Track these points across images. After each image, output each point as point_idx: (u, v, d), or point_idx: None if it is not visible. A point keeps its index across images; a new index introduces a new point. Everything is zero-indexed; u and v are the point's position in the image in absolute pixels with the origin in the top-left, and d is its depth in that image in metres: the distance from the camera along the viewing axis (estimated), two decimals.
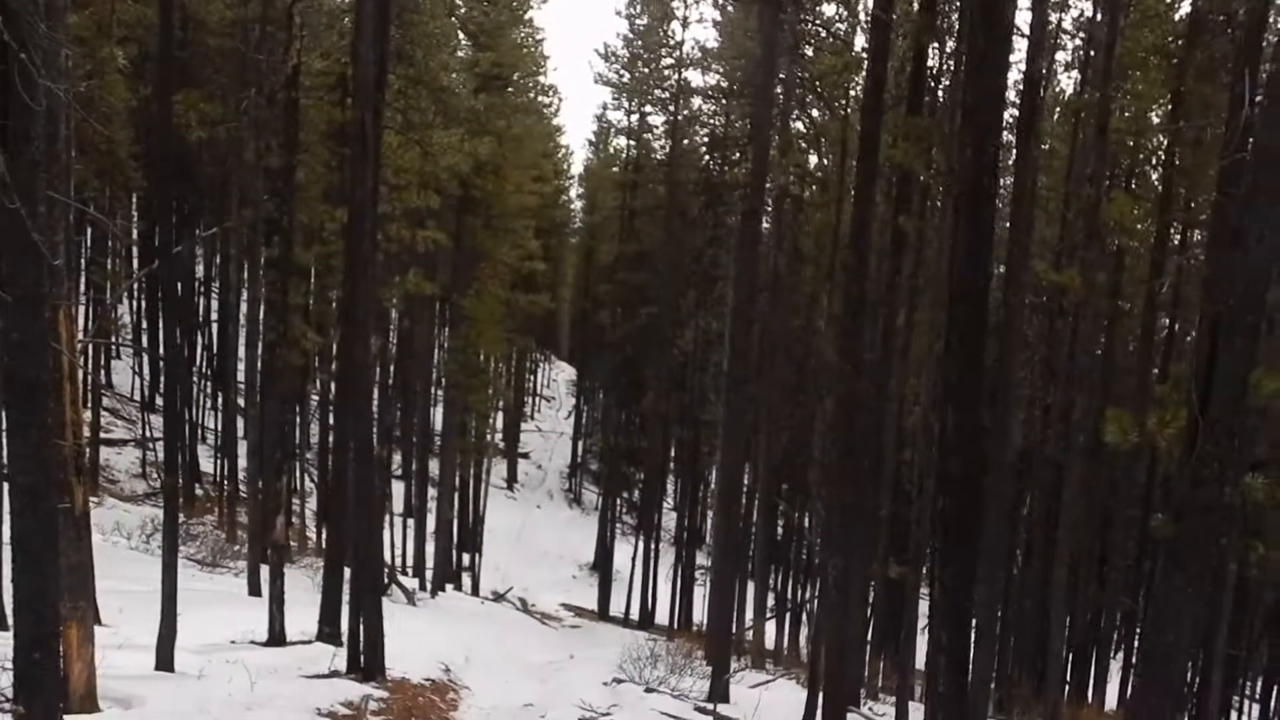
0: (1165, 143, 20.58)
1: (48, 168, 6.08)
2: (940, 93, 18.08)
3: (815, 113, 26.79)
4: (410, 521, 31.55)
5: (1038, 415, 21.72)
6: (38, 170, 5.63)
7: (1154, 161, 22.78)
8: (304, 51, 16.81)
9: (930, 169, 17.54)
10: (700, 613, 31.18)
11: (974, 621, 15.84)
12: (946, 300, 5.78)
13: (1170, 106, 18.63)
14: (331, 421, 24.03)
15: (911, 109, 13.76)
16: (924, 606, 13.67)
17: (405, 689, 12.67)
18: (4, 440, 8.83)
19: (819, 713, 11.51)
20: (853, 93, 24.05)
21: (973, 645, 16.25)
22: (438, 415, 35.29)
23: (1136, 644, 22.67)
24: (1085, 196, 15.87)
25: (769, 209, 25.99)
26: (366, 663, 12.62)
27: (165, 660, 10.72)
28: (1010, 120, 16.37)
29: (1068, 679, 21.95)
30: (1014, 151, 14.91)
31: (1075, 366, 17.92)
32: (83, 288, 29.36)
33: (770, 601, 29.37)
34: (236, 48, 23.53)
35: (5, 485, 11.23)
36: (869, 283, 12.48)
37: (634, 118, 40.78)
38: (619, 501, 42.21)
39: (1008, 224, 14.55)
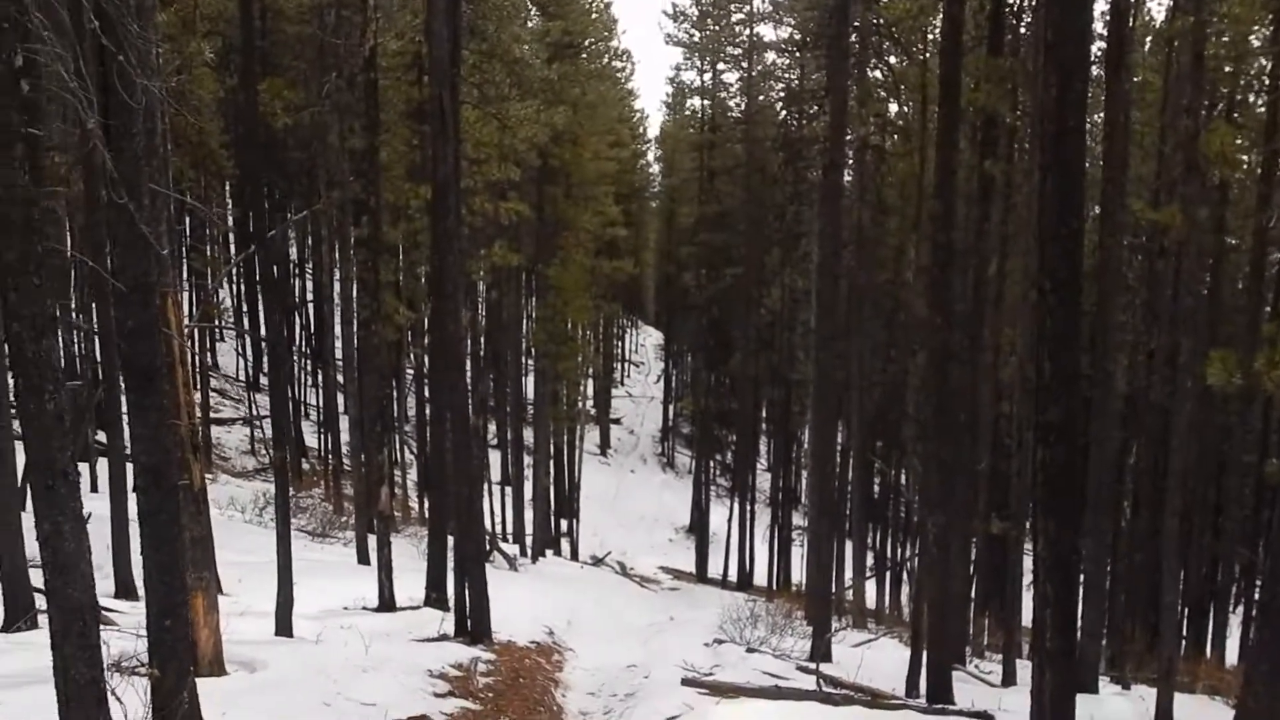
0: (1268, 67, 19.62)
1: (148, 162, 6.31)
2: (1022, 29, 17.49)
3: (893, 59, 26.18)
4: (508, 489, 32.16)
5: (1141, 360, 21.04)
6: (140, 165, 5.85)
7: (1256, 88, 21.71)
8: (380, 33, 17.01)
9: (1016, 110, 17.03)
10: (799, 573, 31.21)
11: (1081, 575, 15.58)
12: (1037, 245, 5.64)
13: (1272, 28, 17.72)
14: (427, 394, 24.53)
15: (992, 49, 13.38)
16: (1028, 563, 13.47)
17: (511, 651, 12.98)
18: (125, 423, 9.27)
19: (923, 670, 11.46)
20: (931, 36, 23.44)
21: (1080, 600, 15.99)
22: (529, 384, 35.82)
23: (1256, 596, 21.97)
24: (1183, 129, 15.21)
25: (850, 161, 25.57)
26: (473, 626, 12.96)
27: (284, 626, 11.18)
28: (1098, 54, 15.79)
29: (1184, 634, 21.41)
30: (1103, 86, 14.36)
31: (1179, 308, 17.30)
32: (185, 275, 30.39)
33: (869, 560, 29.22)
34: (314, 33, 24.01)
35: (128, 465, 11.79)
36: (957, 232, 12.22)
37: (707, 77, 40.39)
38: (712, 464, 42.33)
39: (1100, 163, 14.07)
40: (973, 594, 20.19)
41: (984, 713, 9.92)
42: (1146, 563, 20.51)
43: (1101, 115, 15.38)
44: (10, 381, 9.80)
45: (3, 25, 3.99)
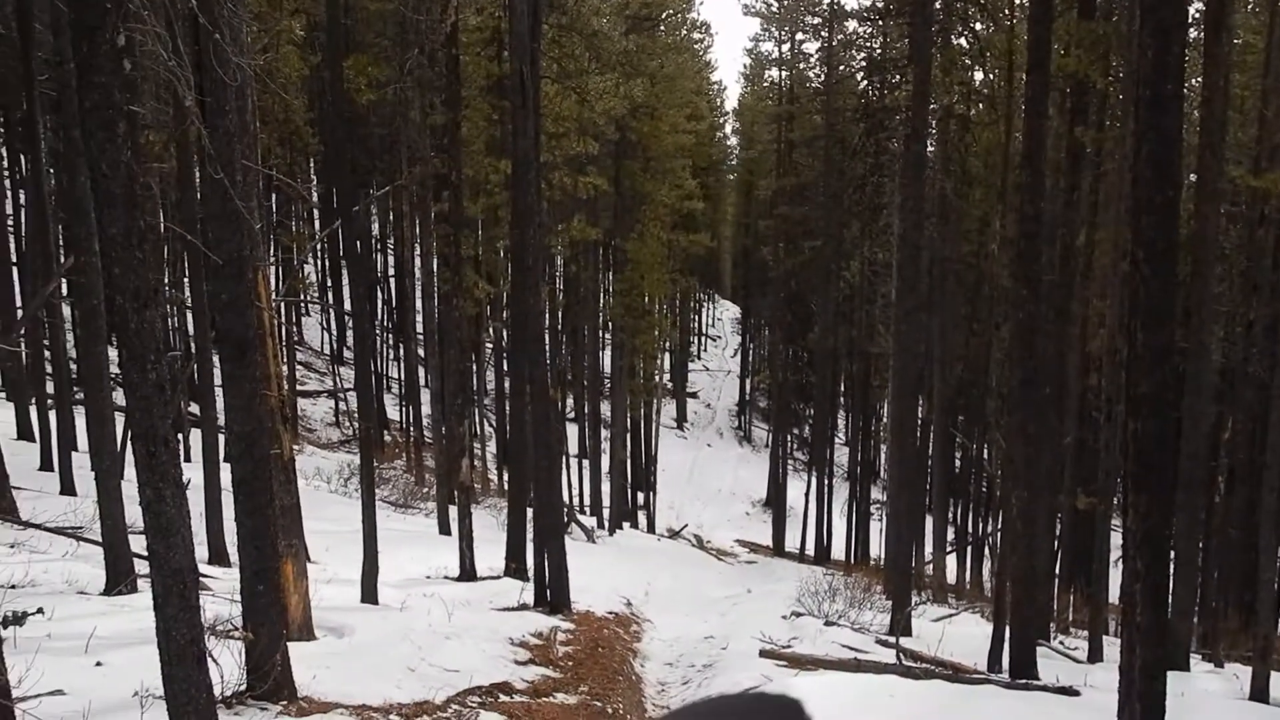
0: None
1: (240, 138, 6.49)
2: None
3: (978, 26, 25.52)
4: (585, 463, 32.47)
5: (1239, 332, 20.32)
6: (233, 141, 6.02)
7: None
8: (460, 8, 17.16)
9: (1108, 76, 16.49)
10: (877, 547, 30.96)
11: (1173, 552, 15.20)
12: (1130, 215, 5.48)
13: None
14: (506, 367, 24.83)
15: (1083, 13, 12.95)
16: (1116, 539, 13.16)
17: (590, 621, 13.15)
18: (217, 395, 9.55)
19: (1006, 646, 11.32)
20: (1018, 1, 22.80)
21: (1172, 576, 15.59)
22: (606, 358, 36.01)
23: None
24: None
25: (933, 131, 25.05)
26: (553, 596, 13.16)
27: (370, 593, 11.49)
28: (1196, 15, 15.20)
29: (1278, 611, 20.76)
30: (1201, 49, 13.82)
31: None
32: (273, 250, 31.14)
33: (950, 535, 28.87)
34: (396, 9, 24.24)
35: (220, 436, 12.18)
36: (1044, 201, 11.91)
37: (786, 47, 39.92)
38: (789, 438, 42.15)
39: (1197, 129, 13.57)
40: (1057, 569, 19.83)
41: (1069, 688, 9.76)
42: (1241, 540, 19.89)
43: (1199, 80, 14.83)
44: (112, 353, 10.20)
45: (106, 5, 4.12)
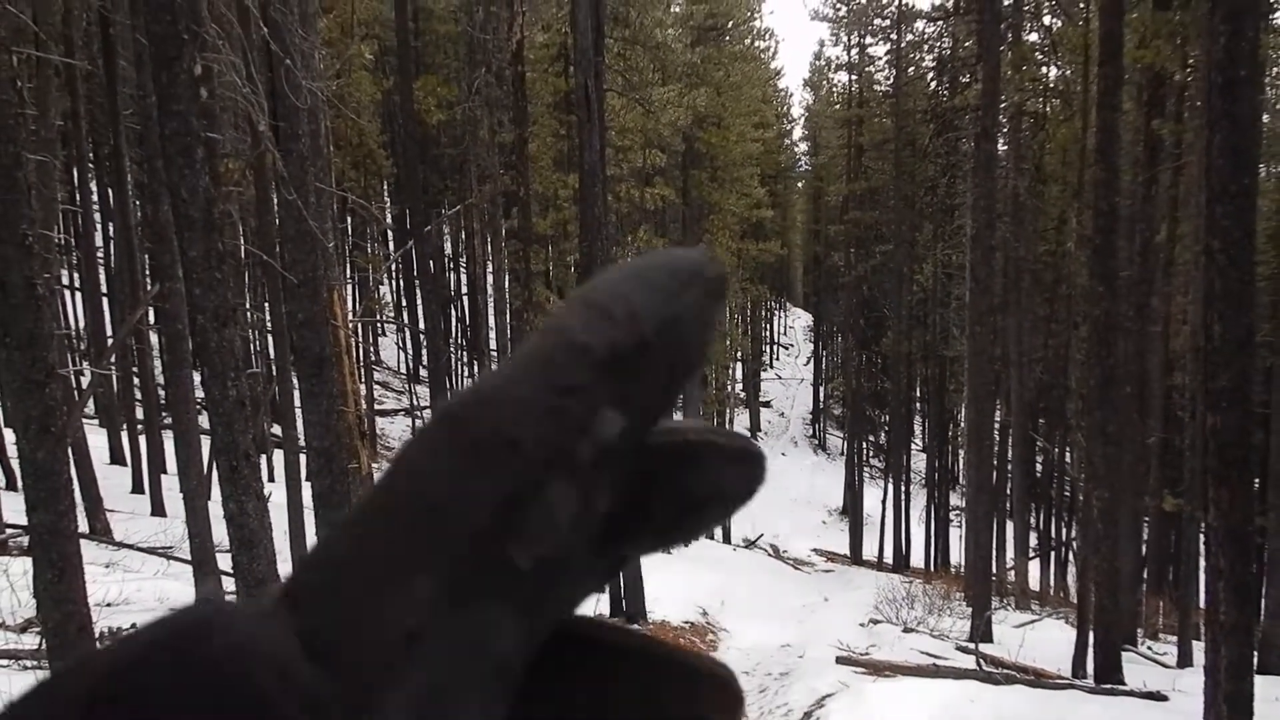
0: None
1: (313, 161, 6.69)
2: None
3: (1049, 20, 25.08)
4: None
5: None
6: (306, 164, 6.22)
7: None
8: (526, 26, 17.44)
9: (1186, 67, 16.08)
10: (957, 554, 30.42)
11: (1265, 551, 14.71)
12: (1206, 204, 5.37)
13: None
14: None
15: (1159, 4, 12.66)
16: (1205, 541, 12.79)
17: (666, 631, 13.17)
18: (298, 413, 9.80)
19: (1090, 650, 11.06)
20: None
21: (1264, 577, 15.10)
22: None
23: None
24: None
25: (1005, 129, 24.66)
26: (629, 607, 13.22)
27: None
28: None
29: None
30: None
31: None
32: (349, 272, 31.89)
33: (1032, 541, 28.26)
34: (464, 30, 24.71)
35: (302, 456, 12.51)
36: (1120, 197, 11.66)
37: (853, 51, 39.63)
38: (865, 445, 41.68)
39: None
40: (1145, 574, 19.29)
41: (1157, 693, 9.50)
42: None
43: None
44: (197, 377, 10.56)
45: (183, 37, 4.31)
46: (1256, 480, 18.50)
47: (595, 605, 13.41)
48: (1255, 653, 11.09)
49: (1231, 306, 5.08)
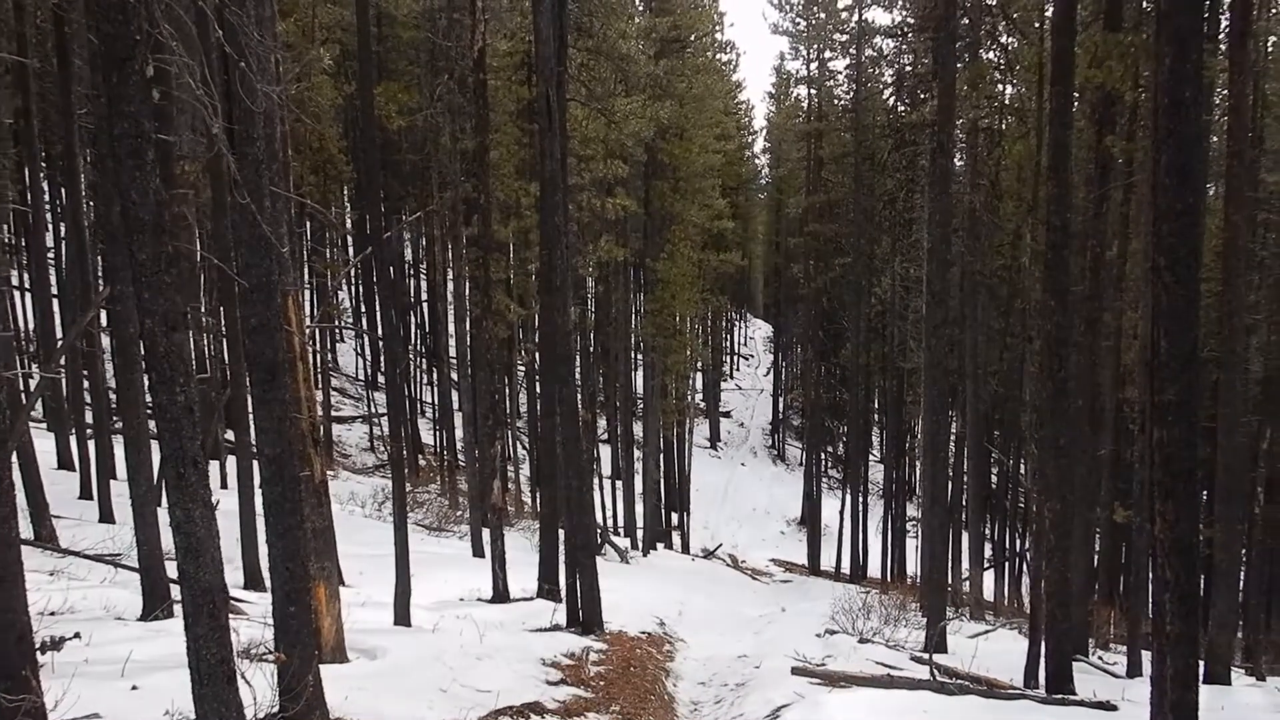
0: None
1: (269, 165, 6.62)
2: (1145, 2, 16.80)
3: (1006, 40, 25.45)
4: (618, 483, 32.47)
5: (1273, 340, 20.05)
6: (261, 168, 6.15)
7: None
8: (489, 34, 17.39)
9: (1137, 88, 16.36)
10: (913, 565, 30.69)
11: (1212, 563, 14.95)
12: (1153, 222, 5.47)
13: None
14: (538, 389, 24.95)
15: (1110, 24, 12.89)
16: (1152, 553, 12.95)
17: (623, 641, 13.14)
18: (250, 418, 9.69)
19: (1042, 661, 11.18)
20: (1048, 13, 22.71)
21: (1212, 588, 15.33)
22: (638, 379, 36.06)
23: None
24: None
25: (961, 145, 24.97)
26: (585, 617, 13.17)
27: (403, 616, 11.56)
28: (1226, 26, 15.05)
29: None
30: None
31: None
32: (307, 277, 31.57)
33: (987, 552, 28.56)
34: (427, 37, 24.62)
35: (255, 463, 12.34)
36: (1072, 213, 11.83)
37: (814, 65, 40.00)
38: (823, 456, 41.94)
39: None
40: (1096, 584, 19.56)
41: (1106, 703, 9.62)
42: None
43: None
44: (144, 379, 10.39)
45: (135, 37, 4.25)
46: (1205, 493, 18.85)
47: (552, 615, 13.35)
48: (1202, 663, 11.28)
49: (1177, 322, 5.17)
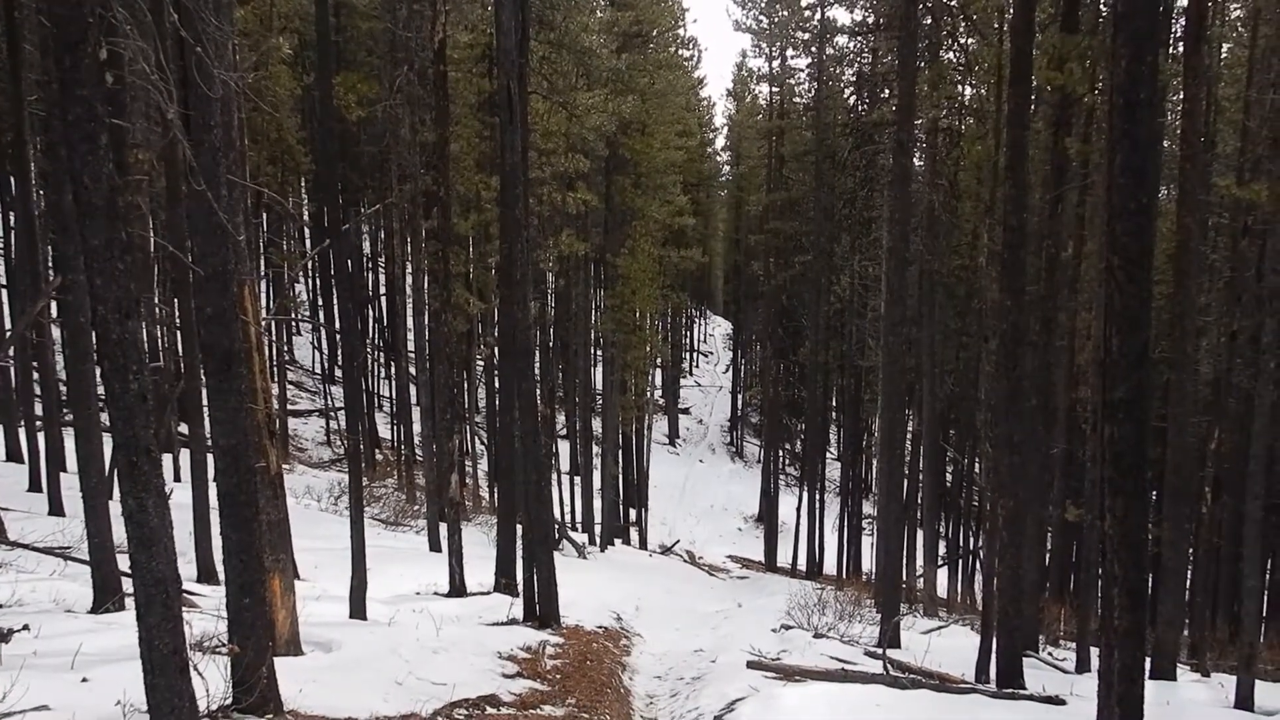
0: None
1: (226, 153, 6.53)
2: (1102, 6, 17.07)
3: (966, 41, 25.72)
4: (577, 479, 32.44)
5: (1223, 342, 20.45)
6: (218, 155, 6.07)
7: None
8: (449, 25, 17.26)
9: (1094, 90, 16.61)
10: (869, 562, 30.95)
11: (1160, 561, 15.24)
12: (1107, 221, 5.56)
13: None
14: (497, 384, 24.87)
15: (1067, 26, 13.07)
16: (1101, 548, 13.17)
17: (579, 635, 13.14)
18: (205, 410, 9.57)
19: (993, 656, 11.34)
20: (1008, 15, 22.98)
21: (1160, 586, 15.63)
22: (598, 374, 36.04)
23: None
24: (1269, 103, 14.73)
25: (921, 144, 25.21)
26: (542, 611, 13.15)
27: (358, 609, 11.47)
28: (1181, 29, 15.33)
29: (1265, 621, 20.80)
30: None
31: (1264, 287, 16.76)
32: (263, 268, 31.18)
33: (941, 549, 28.88)
34: (386, 28, 24.39)
35: (209, 456, 12.17)
36: (1028, 213, 12.00)
37: (776, 63, 40.17)
38: (781, 453, 42.16)
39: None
40: (1047, 581, 19.86)
41: (1055, 697, 9.79)
42: (1230, 550, 19.96)
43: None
44: (99, 369, 10.23)
45: (88, 20, 4.17)
46: (1154, 493, 19.20)
47: (509, 610, 13.32)
48: (1149, 660, 11.48)
49: (1129, 321, 5.26)
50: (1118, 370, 5.25)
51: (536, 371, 17.49)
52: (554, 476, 25.88)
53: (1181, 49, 13.33)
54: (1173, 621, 13.47)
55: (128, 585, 9.33)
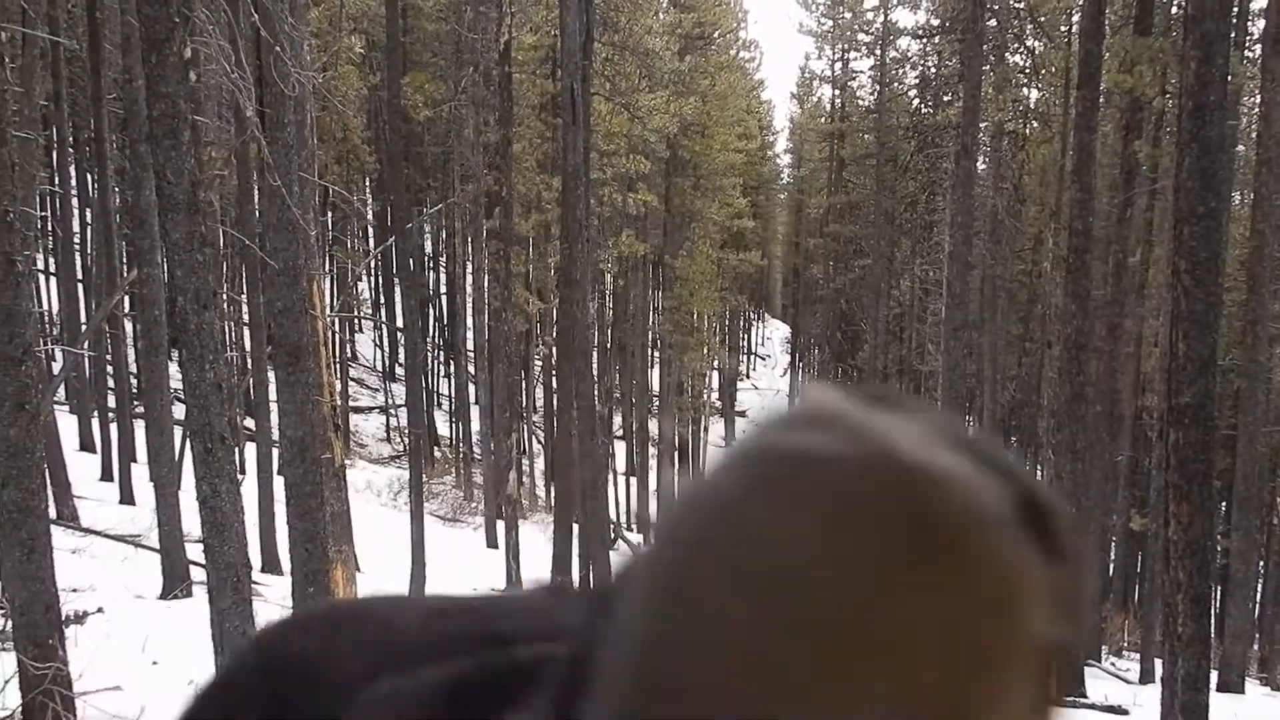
0: None
1: (299, 150, 6.71)
2: (1174, 9, 16.75)
3: (1033, 43, 25.38)
4: (633, 480, 32.52)
5: None
6: (291, 152, 6.24)
7: None
8: (514, 27, 17.47)
9: (1165, 93, 16.31)
10: None
11: (1229, 572, 14.91)
12: (1175, 225, 5.49)
13: None
14: (555, 384, 25.06)
15: (1139, 29, 12.87)
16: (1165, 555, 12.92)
17: None
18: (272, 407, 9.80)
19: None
20: (1075, 17, 22.65)
21: (1228, 597, 15.28)
22: (655, 376, 36.10)
23: None
24: None
25: (985, 148, 24.89)
26: None
27: None
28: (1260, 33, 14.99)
29: None
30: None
31: None
32: (328, 266, 31.73)
33: None
34: (452, 29, 24.72)
35: (274, 450, 12.46)
36: (1095, 218, 11.83)
37: (838, 66, 39.91)
38: None
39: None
40: (1110, 591, 19.50)
41: (1118, 707, 9.64)
42: None
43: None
44: (172, 368, 10.52)
45: (174, 20, 4.34)
46: (1223, 503, 18.76)
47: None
48: (1215, 670, 11.25)
49: (1196, 325, 5.20)
50: (1183, 375, 5.19)
51: (594, 371, 17.63)
52: (610, 476, 26.02)
53: (1259, 51, 13.02)
54: (1241, 634, 13.16)
55: (195, 573, 9.60)
